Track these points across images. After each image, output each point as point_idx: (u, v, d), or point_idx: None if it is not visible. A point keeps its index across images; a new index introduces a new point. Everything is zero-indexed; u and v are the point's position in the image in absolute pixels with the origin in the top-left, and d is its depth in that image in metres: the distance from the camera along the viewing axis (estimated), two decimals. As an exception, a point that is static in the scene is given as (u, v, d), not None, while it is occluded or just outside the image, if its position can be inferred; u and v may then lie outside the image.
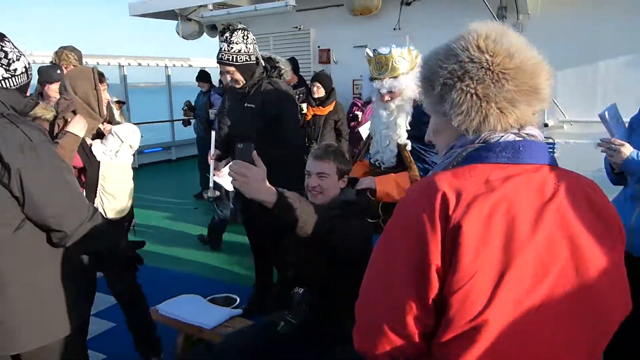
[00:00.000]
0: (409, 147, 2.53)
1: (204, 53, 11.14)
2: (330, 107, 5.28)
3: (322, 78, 5.27)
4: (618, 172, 2.14)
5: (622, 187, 2.22)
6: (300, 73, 5.80)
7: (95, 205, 2.78)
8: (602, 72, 4.92)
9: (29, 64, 1.78)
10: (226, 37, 2.98)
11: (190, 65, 12.92)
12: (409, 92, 2.51)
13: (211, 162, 3.30)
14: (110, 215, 2.89)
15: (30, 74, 1.79)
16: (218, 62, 3.04)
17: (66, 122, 2.49)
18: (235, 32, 2.97)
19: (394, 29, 6.00)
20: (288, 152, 2.98)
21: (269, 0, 6.26)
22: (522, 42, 1.01)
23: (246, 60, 2.97)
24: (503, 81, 0.95)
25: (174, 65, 12.59)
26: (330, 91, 5.29)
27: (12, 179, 1.55)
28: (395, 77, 2.48)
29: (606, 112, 2.27)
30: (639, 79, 4.73)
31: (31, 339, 1.67)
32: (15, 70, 1.71)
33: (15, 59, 1.71)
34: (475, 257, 0.83)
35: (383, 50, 2.46)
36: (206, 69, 7.31)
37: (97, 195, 2.83)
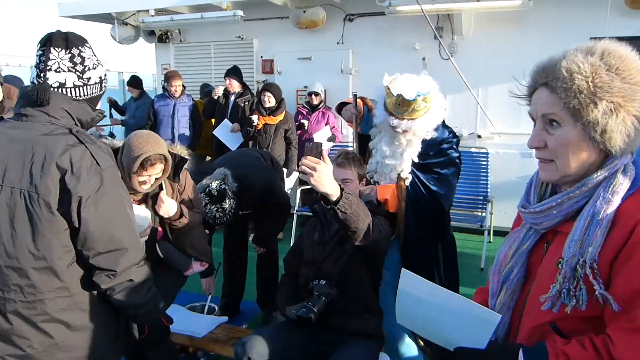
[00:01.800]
0: (407, 182, 2.53)
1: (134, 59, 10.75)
2: (280, 117, 5.42)
3: (273, 88, 5.40)
4: None
5: None
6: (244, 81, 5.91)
7: None
8: (524, 87, 5.48)
9: (105, 74, 1.63)
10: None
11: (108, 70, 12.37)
12: (422, 132, 2.46)
13: None
14: None
15: (105, 86, 1.63)
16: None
17: None
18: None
19: (338, 43, 6.26)
20: None
21: (213, 9, 6.27)
22: None
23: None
24: None
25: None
26: (280, 101, 5.43)
27: (72, 207, 1.41)
28: (413, 119, 2.39)
29: None
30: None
31: None
32: (89, 79, 1.56)
33: (91, 67, 1.57)
34: None
35: (408, 95, 2.31)
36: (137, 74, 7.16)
37: None
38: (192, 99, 6.21)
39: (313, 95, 5.92)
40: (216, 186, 2.85)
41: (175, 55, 7.39)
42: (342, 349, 2.14)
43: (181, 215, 2.48)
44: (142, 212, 2.41)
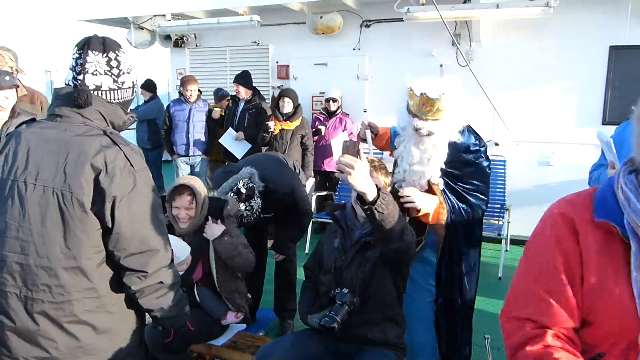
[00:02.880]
0: (441, 186, 2.46)
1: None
2: (297, 122, 5.41)
3: (290, 93, 5.41)
4: None
5: None
6: (255, 86, 5.88)
7: None
8: (543, 95, 5.44)
9: (137, 79, 1.68)
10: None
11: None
12: (447, 134, 2.37)
13: None
14: None
15: (135, 91, 1.68)
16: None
17: None
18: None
19: (354, 49, 6.25)
20: None
21: (229, 14, 6.29)
22: None
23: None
24: None
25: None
26: (297, 106, 5.43)
27: (105, 206, 1.43)
28: (437, 120, 2.30)
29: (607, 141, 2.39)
30: (575, 102, 5.33)
31: None
32: (123, 83, 1.59)
33: (126, 71, 1.60)
34: None
35: (432, 94, 2.24)
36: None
37: None
38: (208, 104, 6.22)
39: (331, 102, 5.91)
40: (244, 184, 2.89)
41: (191, 60, 7.41)
42: (362, 359, 2.12)
43: (228, 233, 2.61)
44: (180, 243, 2.55)
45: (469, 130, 2.49)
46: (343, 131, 5.80)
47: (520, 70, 5.46)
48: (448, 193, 2.49)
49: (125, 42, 7.25)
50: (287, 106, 5.32)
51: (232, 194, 2.87)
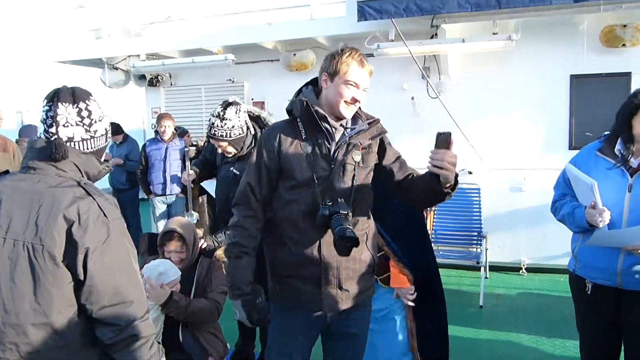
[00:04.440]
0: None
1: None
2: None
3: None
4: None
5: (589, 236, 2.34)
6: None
7: None
8: (512, 123, 5.63)
9: (109, 125, 1.66)
10: (218, 113, 2.98)
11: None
12: None
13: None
14: None
15: (109, 137, 1.66)
16: (210, 138, 3.06)
17: None
18: (228, 109, 2.98)
19: (327, 84, 6.38)
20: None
21: (204, 53, 6.39)
22: None
23: (239, 134, 3.02)
24: None
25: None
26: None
27: (78, 258, 1.39)
28: None
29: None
30: (542, 129, 5.54)
31: None
32: (95, 131, 1.57)
33: (97, 120, 1.58)
34: None
35: None
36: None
37: None
38: (185, 142, 6.24)
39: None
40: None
41: (166, 99, 7.45)
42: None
43: (172, 300, 2.58)
44: (171, 266, 2.73)
45: None
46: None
47: (489, 100, 5.66)
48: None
49: (99, 82, 7.28)
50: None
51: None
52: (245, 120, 3.06)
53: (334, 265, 1.96)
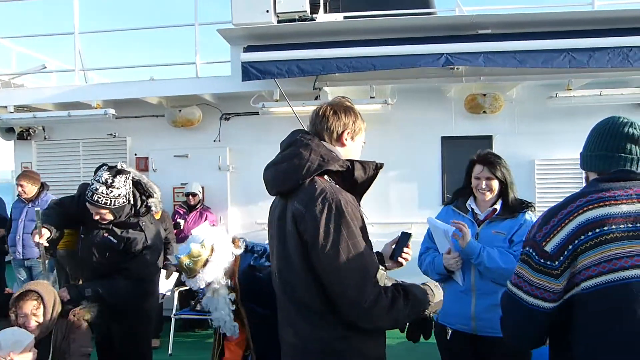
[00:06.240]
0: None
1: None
2: (157, 215, 5.21)
3: (149, 187, 5.25)
4: (449, 272, 2.51)
5: (448, 284, 2.54)
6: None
7: None
8: (392, 180, 5.95)
9: None
10: (106, 180, 2.80)
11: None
12: (216, 279, 2.30)
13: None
14: None
15: None
16: (91, 204, 2.82)
17: None
18: (118, 177, 2.83)
19: (214, 141, 6.35)
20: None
21: (81, 107, 6.07)
22: None
23: (123, 202, 2.87)
24: None
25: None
26: (155, 200, 5.29)
27: None
28: (196, 274, 2.25)
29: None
30: (418, 186, 5.92)
31: None
32: None
33: None
34: None
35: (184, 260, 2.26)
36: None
37: None
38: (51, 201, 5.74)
39: (190, 196, 5.86)
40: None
41: (39, 154, 6.88)
42: None
43: None
44: (21, 333, 2.51)
45: (243, 252, 2.43)
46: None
47: (370, 159, 5.93)
48: None
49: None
50: (146, 200, 5.17)
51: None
52: (131, 189, 2.92)
53: None
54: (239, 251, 2.38)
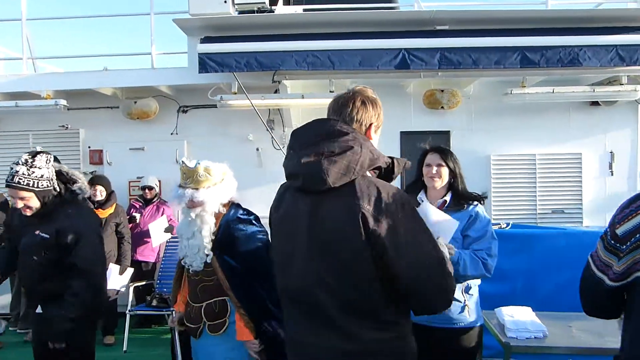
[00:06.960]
0: (209, 260, 2.58)
1: None
2: (110, 210, 5.12)
3: (103, 180, 5.21)
4: None
5: None
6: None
7: None
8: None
9: None
10: (26, 160, 2.65)
11: None
12: (210, 205, 2.57)
13: None
14: None
15: None
16: (11, 187, 2.64)
17: None
18: (38, 156, 2.67)
19: (172, 134, 6.22)
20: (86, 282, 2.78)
21: (31, 97, 5.83)
22: None
23: (47, 186, 2.70)
24: None
25: None
26: (110, 193, 5.18)
27: None
28: (197, 189, 2.53)
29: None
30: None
31: None
32: None
33: None
34: None
35: (190, 164, 2.56)
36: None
37: None
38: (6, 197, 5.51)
39: (147, 190, 5.74)
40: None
41: (-16, 146, 6.59)
42: None
43: None
44: None
45: (235, 205, 2.70)
46: (161, 216, 5.61)
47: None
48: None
49: None
50: (100, 194, 5.05)
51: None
52: (54, 175, 2.74)
53: None
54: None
